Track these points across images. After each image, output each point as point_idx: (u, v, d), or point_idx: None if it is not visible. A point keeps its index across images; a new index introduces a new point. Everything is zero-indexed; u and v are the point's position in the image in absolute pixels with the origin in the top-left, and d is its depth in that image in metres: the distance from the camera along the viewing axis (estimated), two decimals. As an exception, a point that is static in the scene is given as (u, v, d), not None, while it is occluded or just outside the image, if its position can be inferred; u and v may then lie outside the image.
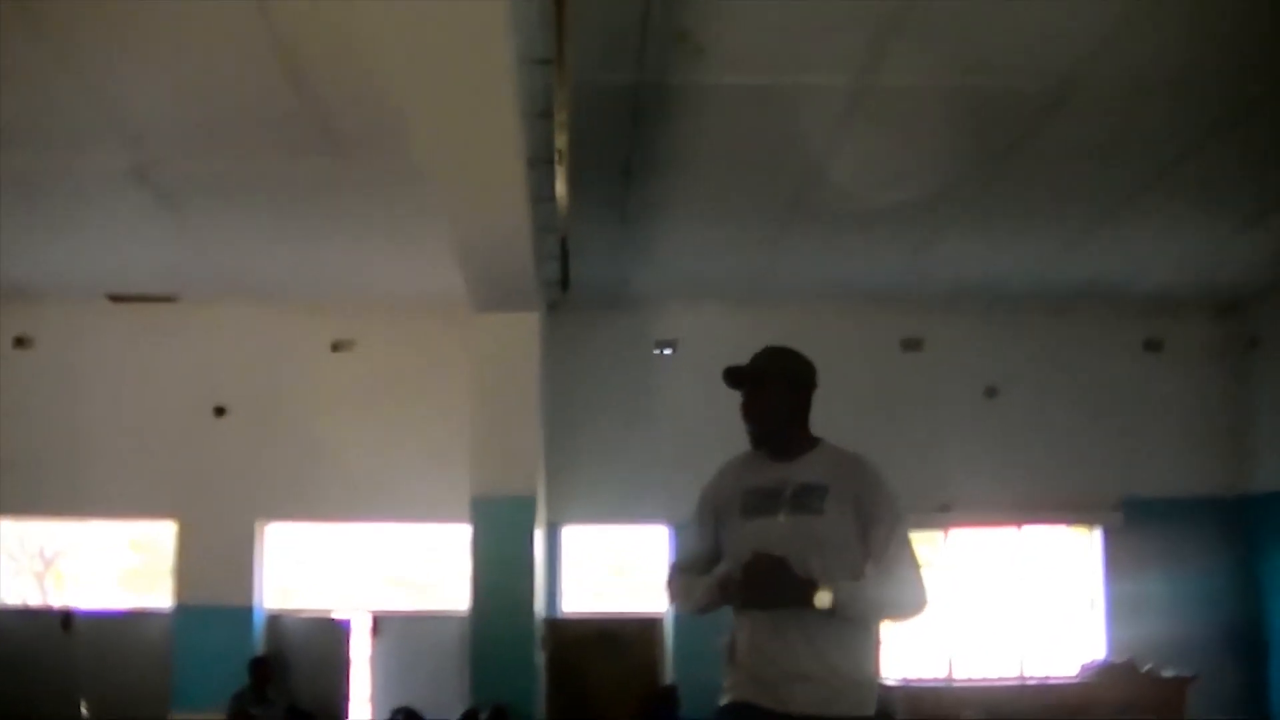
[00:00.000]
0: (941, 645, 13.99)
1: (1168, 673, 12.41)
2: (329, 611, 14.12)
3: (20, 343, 13.79)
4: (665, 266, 13.01)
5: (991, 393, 14.34)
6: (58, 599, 15.02)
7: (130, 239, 11.82)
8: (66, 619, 13.63)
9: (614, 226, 11.59)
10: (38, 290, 13.25)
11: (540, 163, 8.55)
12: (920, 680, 13.20)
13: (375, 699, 13.55)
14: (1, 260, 12.12)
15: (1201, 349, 14.62)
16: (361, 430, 13.65)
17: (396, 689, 13.32)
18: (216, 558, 13.52)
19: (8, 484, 13.05)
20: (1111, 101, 8.91)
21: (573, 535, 14.18)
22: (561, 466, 13.26)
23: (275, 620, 13.86)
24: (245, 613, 13.57)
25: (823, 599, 4.30)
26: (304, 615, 14.09)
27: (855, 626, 4.43)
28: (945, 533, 14.22)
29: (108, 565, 15.48)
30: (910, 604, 4.51)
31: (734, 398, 4.75)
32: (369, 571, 14.97)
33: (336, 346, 14.00)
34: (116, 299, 13.63)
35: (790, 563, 4.35)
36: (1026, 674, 13.76)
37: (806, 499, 4.50)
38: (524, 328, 11.85)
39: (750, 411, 4.70)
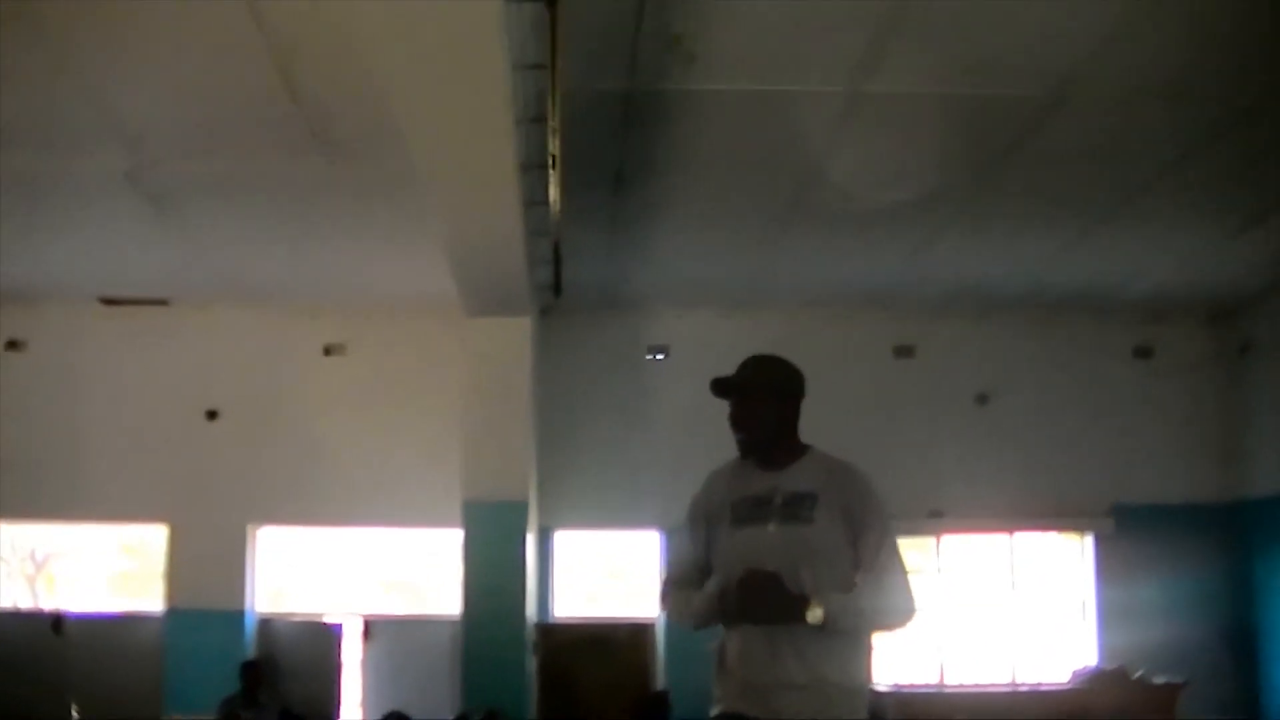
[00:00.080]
0: (933, 651, 14.01)
1: (1159, 679, 12.40)
2: (320, 615, 14.11)
3: (13, 345, 13.77)
4: (658, 272, 13.03)
5: (983, 399, 14.36)
6: (49, 602, 15.05)
7: (124, 242, 11.82)
8: (57, 622, 13.59)
9: (607, 232, 11.61)
10: (31, 293, 13.23)
11: (533, 167, 8.56)
12: (912, 686, 13.20)
13: (366, 703, 13.52)
14: (-5, 263, 12.13)
15: (1193, 355, 14.64)
16: (354, 434, 13.65)
17: (388, 693, 13.28)
18: (208, 561, 13.50)
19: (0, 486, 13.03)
20: (1106, 107, 8.93)
21: (565, 540, 14.18)
22: (554, 471, 13.26)
23: (267, 624, 13.84)
24: (237, 616, 13.55)
25: (814, 615, 4.31)
26: (295, 619, 14.08)
27: (846, 636, 4.44)
28: (937, 539, 14.23)
29: (99, 568, 15.48)
30: (900, 614, 4.52)
31: (726, 404, 4.76)
32: (360, 575, 14.97)
33: (329, 350, 14.00)
34: (109, 302, 13.63)
35: (783, 578, 4.37)
36: (1018, 680, 13.77)
37: (796, 508, 4.51)
38: (517, 332, 11.84)
39: (738, 421, 4.70)
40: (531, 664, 12.15)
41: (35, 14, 7.41)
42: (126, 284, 13.24)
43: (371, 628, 13.73)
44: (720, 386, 4.72)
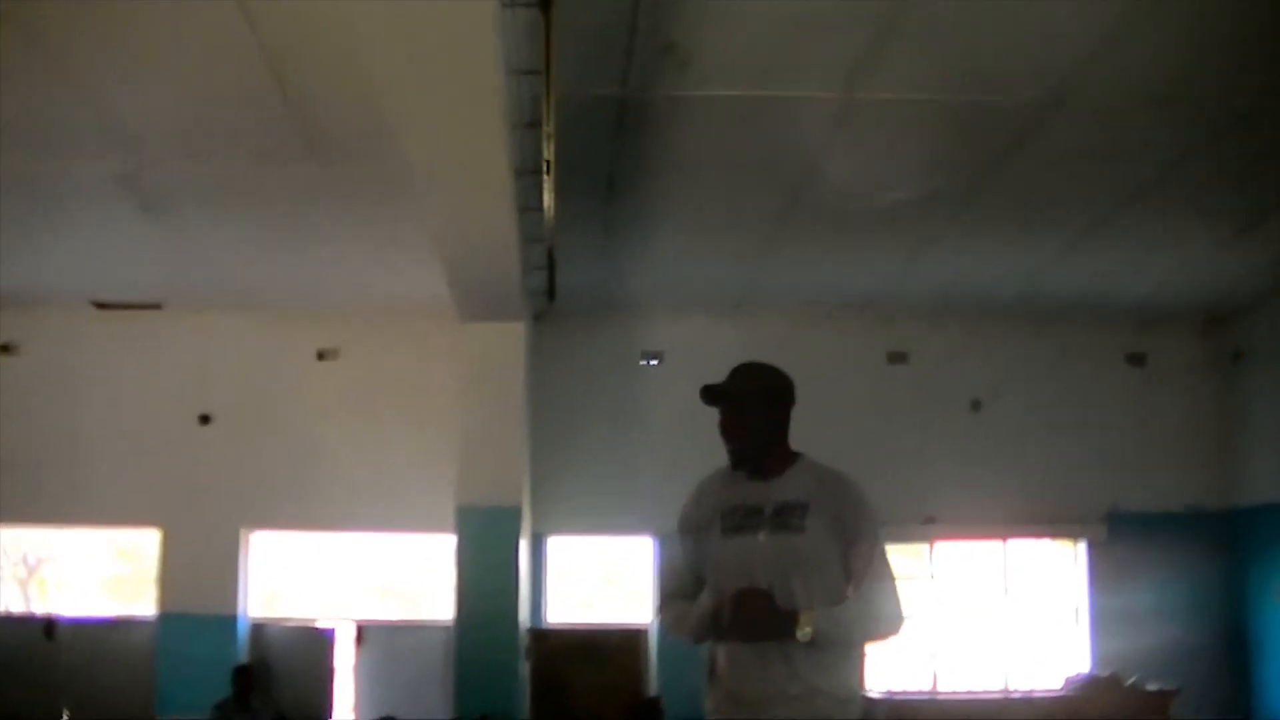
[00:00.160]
0: (926, 657, 14.01)
1: (1152, 686, 12.39)
2: (313, 620, 14.09)
3: (6, 349, 13.76)
4: (652, 277, 13.03)
5: (977, 405, 14.37)
6: (41, 606, 15.00)
7: (117, 245, 11.81)
8: (50, 626, 13.58)
9: (601, 237, 11.61)
10: (25, 296, 13.21)
11: (527, 172, 8.56)
12: (904, 692, 13.19)
13: (359, 708, 13.51)
14: (-12, 266, 12.12)
15: (1187, 362, 14.66)
16: (347, 439, 13.64)
17: (380, 698, 13.28)
18: (201, 566, 13.48)
19: (-7, 490, 13.02)
20: (1100, 113, 8.94)
21: (558, 545, 14.17)
22: (547, 477, 13.26)
23: (259, 629, 13.82)
24: (229, 621, 13.53)
25: (804, 632, 4.29)
26: (288, 624, 14.05)
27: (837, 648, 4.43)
28: (930, 545, 14.23)
29: (92, 572, 15.45)
30: (889, 626, 4.51)
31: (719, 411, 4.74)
32: (354, 580, 14.95)
33: (322, 355, 13.99)
34: (102, 306, 13.62)
35: (774, 592, 4.36)
36: (1011, 687, 13.77)
37: (787, 517, 4.49)
38: (511, 337, 11.85)
39: (729, 430, 4.68)
40: (524, 669, 12.16)
41: (30, 18, 7.41)
42: (120, 288, 13.22)
43: (364, 633, 13.70)
44: (710, 394, 4.69)
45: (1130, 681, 12.51)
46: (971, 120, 9.04)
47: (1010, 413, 14.34)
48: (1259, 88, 8.56)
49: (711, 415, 4.77)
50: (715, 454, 4.77)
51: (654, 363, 14.19)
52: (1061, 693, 12.93)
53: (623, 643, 13.61)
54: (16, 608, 15.04)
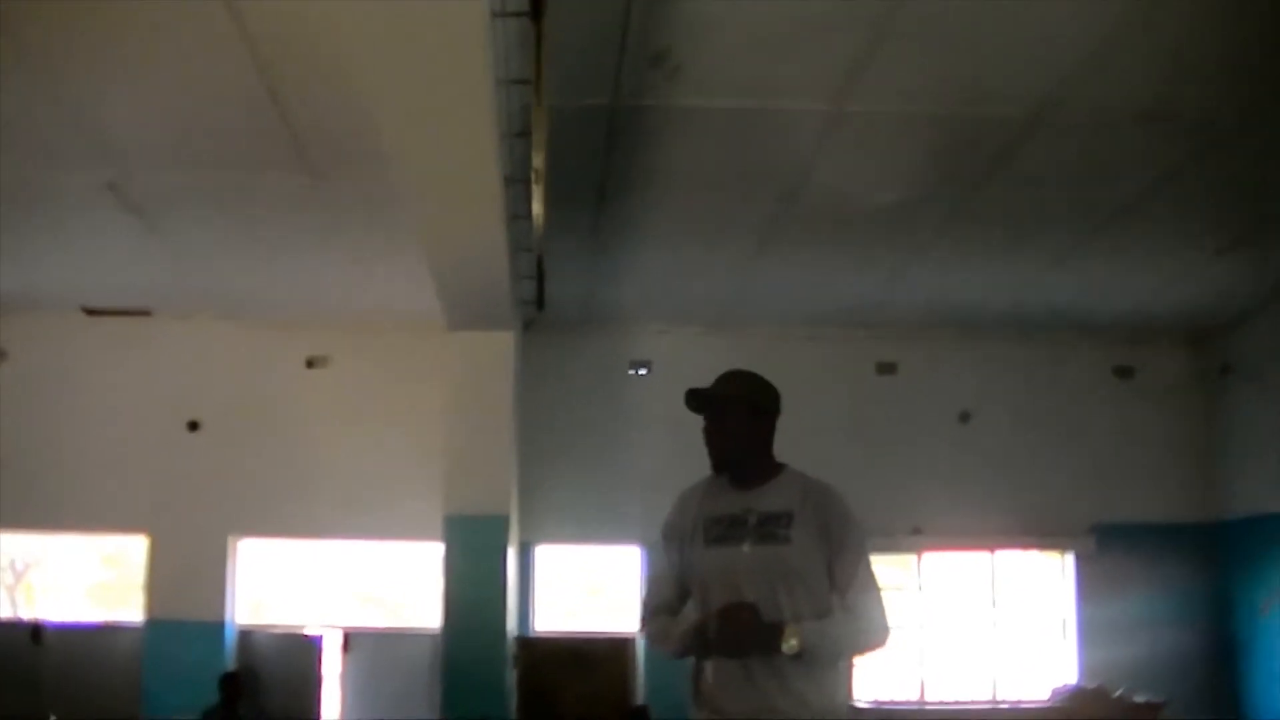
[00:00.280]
0: (914, 668, 14.01)
1: (1139, 698, 12.42)
2: (300, 628, 14.08)
3: (-5, 355, 13.77)
4: (641, 287, 13.04)
5: (965, 417, 14.39)
6: (28, 612, 14.98)
7: (106, 253, 11.80)
8: (36, 632, 13.56)
9: (590, 247, 11.62)
10: (12, 302, 13.19)
11: (517, 182, 8.57)
12: (893, 703, 13.21)
13: (346, 716, 13.50)
14: (-23, 272, 12.11)
15: (1174, 376, 14.71)
16: (335, 447, 13.63)
17: (367, 706, 13.29)
18: (188, 572, 13.46)
19: (-20, 496, 13.00)
20: (1087, 128, 8.99)
21: (546, 554, 14.17)
22: (535, 485, 13.26)
23: (246, 636, 13.80)
24: (216, 628, 13.51)
25: (789, 645, 4.27)
26: (275, 631, 14.04)
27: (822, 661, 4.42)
28: (918, 556, 14.24)
29: (79, 578, 15.43)
30: (876, 637, 4.50)
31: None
32: (341, 588, 14.94)
33: (311, 363, 13.98)
34: (91, 312, 13.60)
35: (759, 605, 4.33)
36: (998, 698, 13.79)
37: (771, 528, 4.47)
38: (499, 346, 11.83)
39: (712, 436, 4.67)
40: (511, 678, 12.14)
41: (17, 27, 7.40)
42: (109, 294, 13.21)
43: (351, 640, 13.70)
44: (695, 398, 4.69)
45: (1118, 693, 12.54)
46: (960, 133, 9.08)
47: (998, 424, 14.38)
48: (1245, 105, 8.61)
49: (699, 426, 4.76)
50: (703, 464, 4.76)
51: (642, 372, 14.21)
52: (1049, 704, 12.97)
53: (610, 651, 13.61)
54: (3, 613, 15.02)
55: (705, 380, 4.78)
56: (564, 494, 13.73)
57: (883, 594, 4.51)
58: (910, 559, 14.21)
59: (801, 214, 10.61)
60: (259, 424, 13.83)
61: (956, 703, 13.48)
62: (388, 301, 13.12)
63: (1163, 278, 12.55)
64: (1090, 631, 14.15)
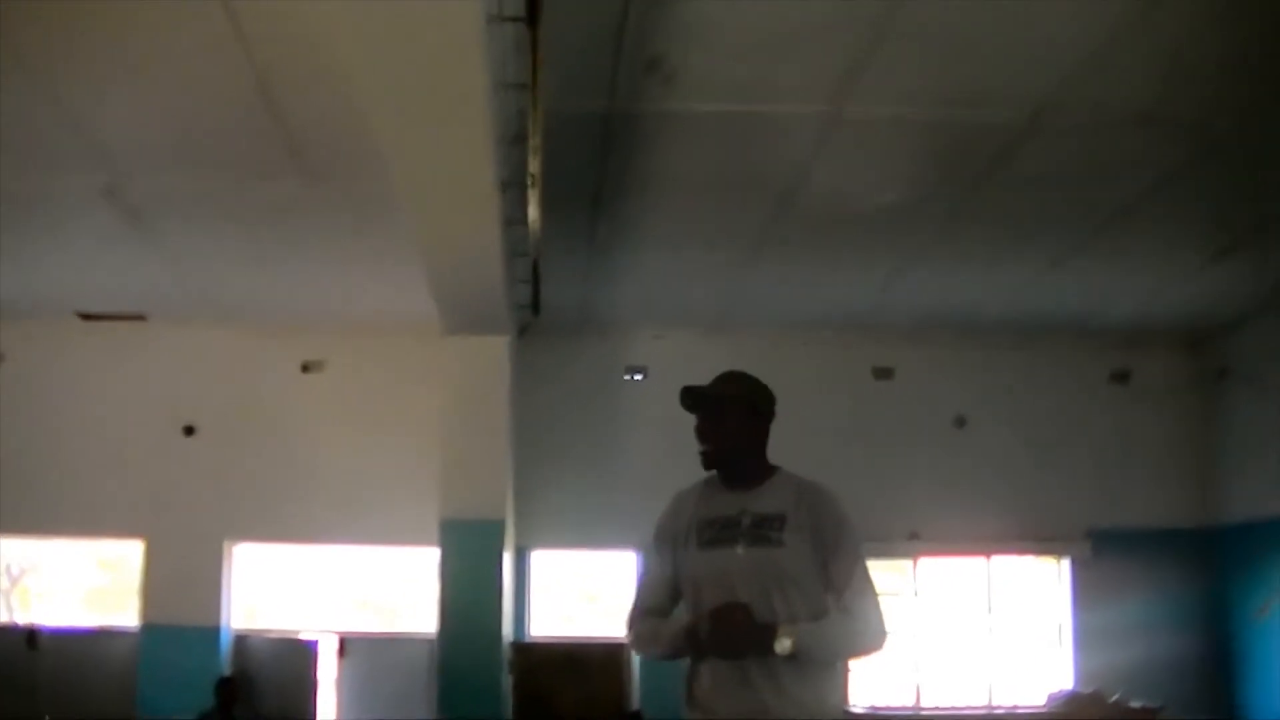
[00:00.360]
0: (910, 673, 14.00)
1: (1135, 703, 12.41)
2: (296, 632, 14.06)
3: (-10, 360, 13.76)
4: (637, 292, 13.03)
5: (961, 422, 14.38)
6: (24, 616, 14.94)
7: (101, 257, 11.79)
8: (32, 637, 13.54)
9: (585, 251, 11.61)
10: (8, 307, 13.15)
11: (513, 186, 8.57)
12: (888, 708, 13.20)
13: (341, 721, 13.51)
14: (-28, 277, 12.09)
15: (1170, 380, 14.70)
16: (331, 451, 13.62)
17: (363, 711, 13.28)
18: (184, 577, 13.45)
19: (-25, 500, 12.98)
20: (1083, 133, 8.97)
21: (541, 559, 14.16)
22: (531, 490, 13.24)
23: (242, 640, 13.79)
24: (212, 633, 13.50)
25: (782, 645, 4.24)
26: (271, 636, 14.02)
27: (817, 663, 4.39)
28: (914, 561, 14.23)
29: (75, 583, 15.40)
30: (871, 641, 4.46)
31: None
32: (336, 593, 14.92)
33: (307, 367, 13.98)
34: (87, 317, 13.58)
35: (753, 607, 4.30)
36: (994, 703, 13.77)
37: (765, 529, 4.44)
38: (494, 351, 11.85)
39: (705, 432, 4.63)
40: (507, 682, 12.13)
41: (12, 32, 7.39)
42: (104, 299, 13.19)
43: (347, 645, 13.68)
44: (689, 395, 4.65)
45: (1113, 699, 12.53)
46: (956, 138, 9.08)
47: (995, 429, 14.37)
48: (1244, 106, 8.60)
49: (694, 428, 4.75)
50: (698, 469, 4.75)
51: (638, 377, 14.20)
52: (1045, 710, 12.96)
53: (605, 656, 13.56)
54: (-1, 618, 15.00)
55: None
56: (560, 499, 13.71)
57: (880, 598, 4.48)
58: (906, 564, 14.20)
59: (798, 218, 10.60)
60: (254, 429, 13.82)
61: (952, 708, 13.48)
62: (384, 306, 13.11)
63: (1160, 282, 12.55)
64: (1086, 637, 14.14)
